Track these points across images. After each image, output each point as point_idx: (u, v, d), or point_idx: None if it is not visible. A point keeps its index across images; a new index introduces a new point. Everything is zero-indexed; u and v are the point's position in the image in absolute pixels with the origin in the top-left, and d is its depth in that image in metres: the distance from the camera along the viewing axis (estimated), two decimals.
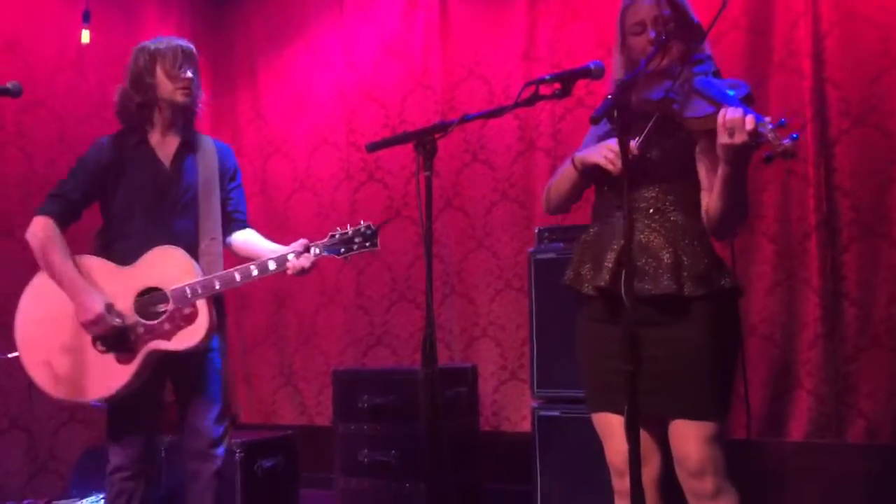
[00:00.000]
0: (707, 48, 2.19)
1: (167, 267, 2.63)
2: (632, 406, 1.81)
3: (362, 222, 2.64)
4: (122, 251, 2.70)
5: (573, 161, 2.22)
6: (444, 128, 2.14)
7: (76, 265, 2.67)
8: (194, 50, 2.79)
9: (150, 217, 2.71)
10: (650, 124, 2.01)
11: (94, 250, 2.76)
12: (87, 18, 4.15)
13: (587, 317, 2.21)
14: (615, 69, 2.22)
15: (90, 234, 2.84)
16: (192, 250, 2.70)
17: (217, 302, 2.77)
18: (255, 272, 2.62)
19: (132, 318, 2.62)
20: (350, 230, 2.62)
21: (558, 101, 2.12)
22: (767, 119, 1.81)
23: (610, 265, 2.08)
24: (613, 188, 2.17)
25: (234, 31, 5.39)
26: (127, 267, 2.67)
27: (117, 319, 2.60)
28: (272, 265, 2.62)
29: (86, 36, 4.14)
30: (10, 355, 2.79)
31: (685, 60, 2.11)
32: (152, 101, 2.74)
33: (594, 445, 2.30)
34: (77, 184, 2.74)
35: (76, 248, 2.75)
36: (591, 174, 2.21)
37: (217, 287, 2.61)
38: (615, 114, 1.80)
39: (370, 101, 4.88)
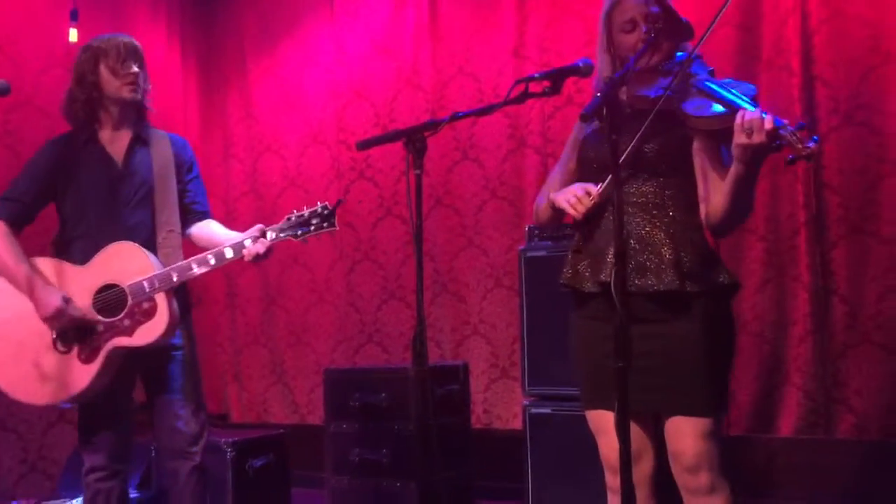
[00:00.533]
0: (688, 46, 2.18)
1: (123, 262, 2.60)
2: (622, 402, 1.81)
3: (319, 203, 2.59)
4: (79, 251, 2.68)
5: (549, 199, 2.23)
6: (434, 126, 2.14)
7: (33, 267, 2.64)
8: (139, 46, 2.76)
9: (104, 214, 2.69)
10: (646, 122, 2.01)
11: (52, 254, 2.74)
12: (74, 17, 4.13)
13: (584, 315, 2.21)
14: (601, 68, 2.21)
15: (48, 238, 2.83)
16: (150, 243, 2.67)
17: (180, 295, 2.73)
18: (212, 261, 2.59)
19: (92, 315, 2.59)
20: (306, 211, 2.58)
21: (548, 98, 2.13)
22: (786, 121, 1.83)
23: (611, 260, 2.08)
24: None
25: (224, 30, 5.37)
26: (83, 266, 2.65)
27: (78, 312, 2.57)
28: (229, 252, 2.59)
29: (73, 34, 4.12)
30: None
31: (671, 57, 2.12)
32: (97, 98, 2.71)
33: (585, 442, 2.30)
34: (27, 186, 2.72)
35: (38, 252, 2.73)
36: (586, 173, 2.21)
37: (175, 279, 2.58)
38: (604, 111, 1.80)
39: (360, 99, 4.88)
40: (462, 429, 3.88)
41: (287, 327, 5.07)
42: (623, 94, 2.11)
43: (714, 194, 2.05)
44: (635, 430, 2.13)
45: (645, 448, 2.18)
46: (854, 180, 3.59)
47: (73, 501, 3.70)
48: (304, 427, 4.83)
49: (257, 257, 2.58)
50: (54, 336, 2.61)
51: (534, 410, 3.46)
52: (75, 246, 2.70)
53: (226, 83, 5.36)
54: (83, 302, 2.61)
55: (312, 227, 2.57)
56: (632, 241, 2.08)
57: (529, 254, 3.56)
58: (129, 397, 2.77)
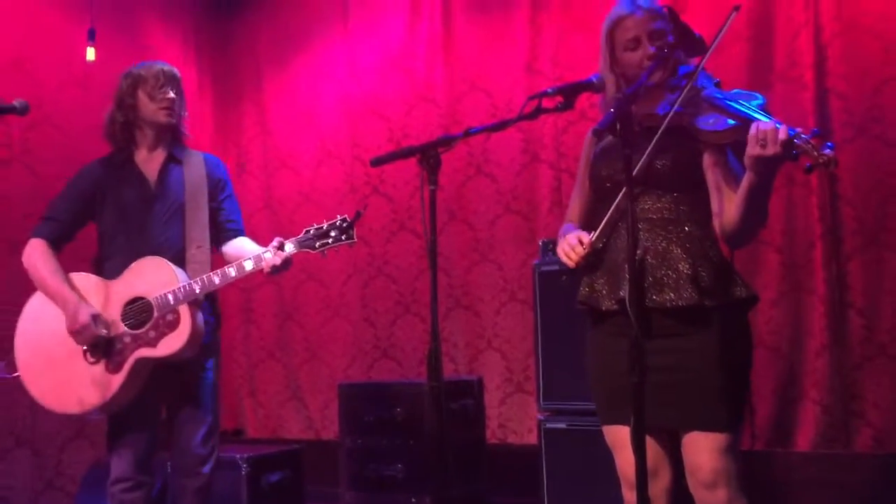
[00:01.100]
0: (692, 62, 2.18)
1: (151, 276, 2.69)
2: (638, 417, 1.81)
3: (338, 216, 2.64)
4: (112, 268, 2.78)
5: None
6: (447, 142, 2.15)
7: (68, 282, 2.76)
8: (177, 73, 2.89)
9: (136, 232, 2.80)
10: (654, 139, 2.01)
11: (91, 272, 2.85)
12: (92, 36, 4.18)
13: (602, 331, 2.21)
14: (607, 89, 2.21)
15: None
16: (179, 259, 2.76)
17: (212, 312, 2.84)
18: (232, 273, 2.66)
19: (120, 328, 2.68)
20: (325, 224, 2.63)
21: (561, 113, 2.13)
22: (800, 130, 1.82)
23: (629, 276, 2.08)
24: (616, 202, 2.16)
25: (238, 47, 5.42)
26: (113, 280, 2.75)
27: (104, 330, 2.67)
28: (249, 265, 2.65)
29: (91, 53, 4.17)
30: (12, 375, 2.86)
31: (675, 72, 2.11)
32: (134, 121, 2.84)
33: (601, 457, 2.29)
34: (66, 206, 2.86)
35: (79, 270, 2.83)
36: (600, 192, 2.22)
37: (197, 291, 2.66)
38: (618, 127, 1.80)
39: (374, 115, 4.90)
40: (477, 443, 3.88)
41: (302, 342, 5.08)
42: (633, 111, 2.11)
43: (728, 206, 2.05)
44: (652, 445, 2.12)
45: (662, 463, 2.17)
46: (869, 193, 3.58)
47: None
48: (319, 442, 4.83)
49: (275, 269, 2.64)
50: (84, 348, 2.70)
51: (549, 425, 3.45)
52: (110, 263, 2.81)
53: (240, 99, 5.40)
54: (113, 314, 2.70)
55: (331, 240, 2.62)
56: (648, 258, 2.08)
57: (543, 268, 3.56)
58: (157, 411, 2.84)
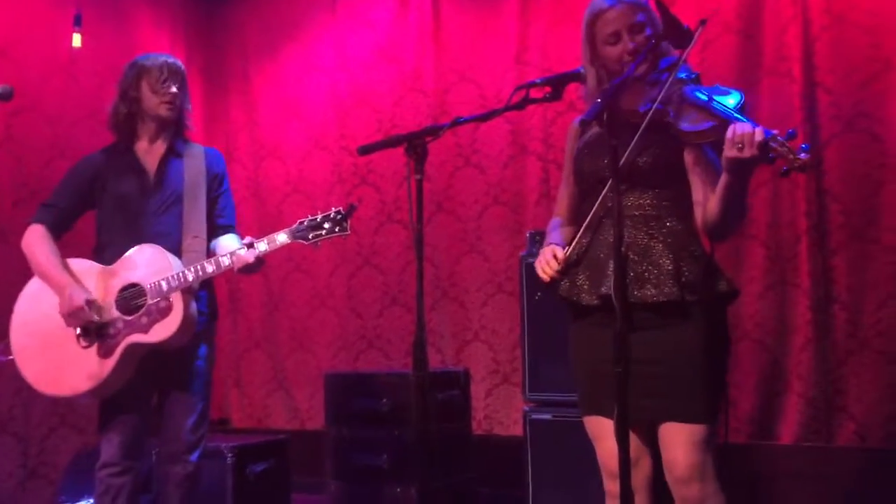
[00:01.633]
0: (674, 53, 2.17)
1: (147, 263, 2.72)
2: (622, 407, 1.82)
3: (333, 208, 2.65)
4: (110, 257, 2.81)
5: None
6: (435, 131, 2.15)
7: (65, 267, 2.79)
8: (181, 66, 2.92)
9: (133, 221, 2.83)
10: (636, 136, 2.01)
11: (91, 259, 2.87)
12: (78, 22, 4.15)
13: (583, 324, 2.21)
14: (588, 81, 2.21)
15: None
16: (175, 247, 2.79)
17: (208, 301, 2.89)
18: (225, 262, 2.68)
19: (113, 313, 2.71)
20: (319, 216, 2.66)
21: (549, 104, 2.14)
22: (776, 132, 1.82)
23: (612, 273, 2.08)
24: (599, 198, 2.16)
25: (227, 35, 5.39)
26: (110, 267, 2.78)
27: (95, 315, 2.69)
28: (226, 261, 2.68)
29: (77, 40, 4.15)
30: (5, 358, 2.91)
31: (657, 66, 2.11)
32: (137, 112, 2.88)
33: (586, 449, 2.30)
34: (66, 194, 2.91)
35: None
36: (585, 187, 2.22)
37: (191, 279, 2.68)
38: (604, 118, 1.80)
39: (363, 105, 4.89)
40: (463, 435, 3.88)
41: (288, 332, 5.07)
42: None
43: (707, 202, 2.06)
44: (632, 436, 2.13)
45: (642, 453, 2.18)
46: (855, 187, 3.59)
47: None
48: (305, 432, 4.83)
49: (246, 266, 2.66)
50: (78, 332, 2.72)
51: (534, 416, 3.46)
52: (108, 251, 2.83)
53: (228, 89, 5.37)
54: (107, 300, 2.73)
55: (325, 232, 2.64)
56: (630, 253, 2.09)
57: (530, 260, 3.54)
58: (148, 397, 2.85)
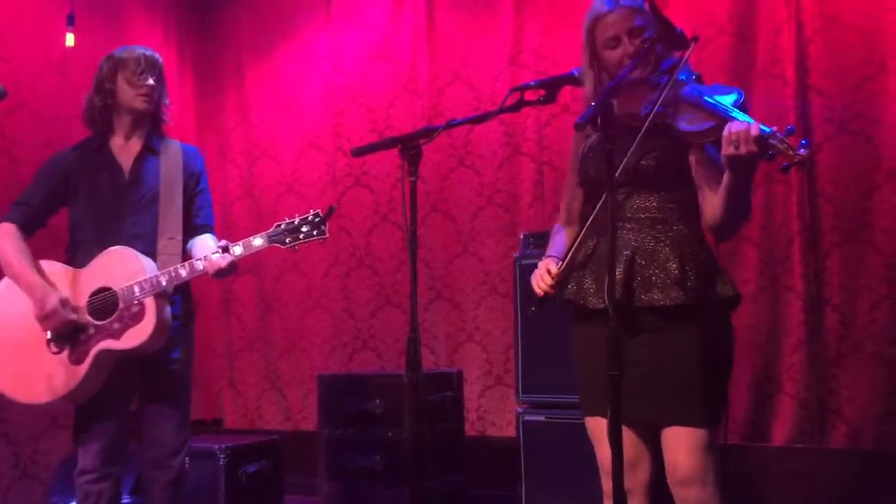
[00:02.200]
0: (675, 55, 2.18)
1: (118, 267, 2.65)
2: (615, 411, 1.82)
3: (311, 210, 2.60)
4: (83, 256, 2.74)
5: None
6: (429, 133, 2.15)
7: (37, 267, 2.72)
8: (159, 58, 2.85)
9: (107, 220, 2.75)
10: (637, 139, 2.01)
11: (66, 258, 2.81)
12: (71, 21, 4.13)
13: (587, 325, 2.21)
14: (587, 85, 2.21)
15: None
16: (150, 249, 2.72)
17: (184, 304, 2.82)
18: (199, 266, 2.61)
19: (84, 317, 2.64)
20: (297, 219, 2.60)
21: (544, 106, 2.13)
22: (775, 129, 1.82)
23: (620, 277, 2.09)
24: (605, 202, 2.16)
25: (221, 34, 5.38)
26: (81, 269, 2.71)
27: (73, 315, 2.63)
28: (200, 265, 2.62)
29: (70, 39, 4.12)
30: None
31: (658, 68, 2.11)
32: (112, 106, 2.80)
33: (579, 450, 2.31)
34: (38, 191, 2.83)
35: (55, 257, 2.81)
36: (588, 190, 2.22)
37: (164, 283, 2.61)
38: (598, 121, 1.80)
39: (357, 105, 4.88)
40: (456, 436, 3.88)
41: (282, 333, 5.06)
42: (615, 110, 2.12)
43: (711, 202, 2.06)
44: (632, 437, 2.14)
45: (642, 455, 2.18)
46: (848, 189, 3.60)
47: None
48: (298, 433, 4.82)
49: (219, 271, 2.59)
50: (49, 337, 2.65)
51: (527, 418, 3.46)
52: (80, 251, 2.76)
53: (222, 88, 5.36)
54: (79, 303, 2.66)
55: (302, 235, 2.58)
56: (637, 258, 2.09)
57: (524, 261, 3.56)
58: (125, 404, 2.80)
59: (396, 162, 2.16)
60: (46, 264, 2.75)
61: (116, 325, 2.62)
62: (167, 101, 2.90)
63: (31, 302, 2.66)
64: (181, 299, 2.81)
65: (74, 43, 4.13)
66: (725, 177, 1.96)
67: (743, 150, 1.83)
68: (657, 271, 2.07)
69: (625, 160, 2.04)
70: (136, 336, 2.61)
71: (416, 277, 2.10)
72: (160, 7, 5.12)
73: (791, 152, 1.77)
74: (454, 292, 4.54)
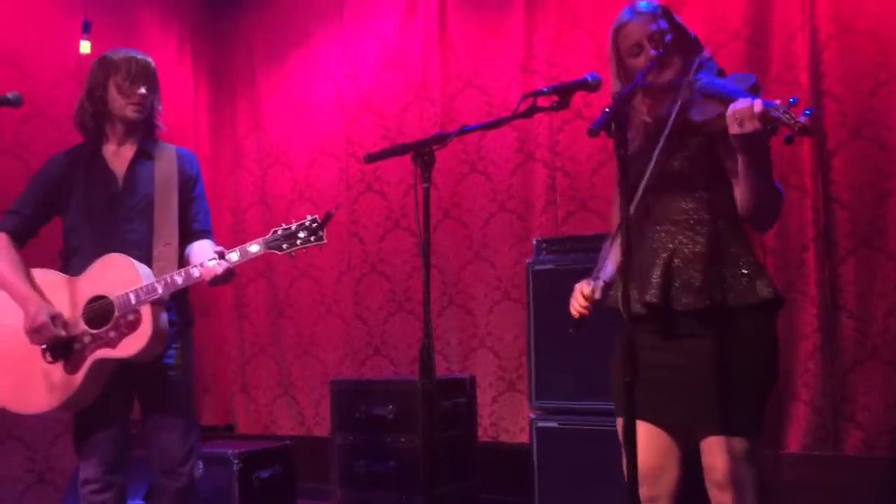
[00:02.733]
0: (705, 51, 2.18)
1: (114, 274, 2.60)
2: (629, 417, 1.82)
3: (308, 216, 2.56)
4: (78, 263, 2.70)
5: None
6: (442, 139, 2.14)
7: (29, 278, 2.68)
8: (151, 64, 2.77)
9: (102, 227, 2.71)
10: (660, 142, 2.01)
11: (60, 266, 2.77)
12: (86, 29, 4.16)
13: (632, 329, 2.20)
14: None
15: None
16: (146, 256, 2.67)
17: (181, 310, 2.77)
18: (195, 273, 2.57)
19: (80, 327, 2.60)
20: (294, 224, 2.55)
21: (556, 112, 2.13)
22: (778, 102, 1.81)
23: (657, 280, 2.08)
24: (643, 206, 2.14)
25: (234, 42, 5.41)
26: (76, 277, 2.67)
27: (62, 331, 2.58)
28: (196, 272, 2.58)
29: (85, 47, 4.15)
30: None
31: (683, 72, 2.12)
32: (103, 113, 2.75)
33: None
34: (30, 200, 2.78)
35: (49, 264, 2.78)
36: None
37: (160, 290, 2.56)
38: (612, 127, 1.80)
39: (369, 112, 4.90)
40: (468, 442, 3.88)
41: (294, 339, 5.08)
42: (646, 116, 2.12)
43: (737, 189, 2.05)
44: (663, 442, 2.13)
45: (670, 462, 2.16)
46: (863, 195, 3.58)
47: None
48: (311, 439, 4.83)
49: (215, 279, 2.55)
50: (43, 346, 2.62)
51: (541, 424, 3.45)
52: (75, 258, 2.72)
53: (236, 95, 5.39)
54: (74, 313, 2.62)
55: (299, 241, 2.54)
56: (675, 260, 2.09)
57: (537, 267, 3.56)
58: (125, 411, 2.76)
59: (409, 168, 2.16)
60: (41, 272, 2.71)
61: (113, 334, 2.57)
62: (160, 107, 2.83)
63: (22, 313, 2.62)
64: (178, 305, 2.76)
65: (90, 50, 4.16)
66: (739, 159, 1.95)
67: (748, 127, 1.83)
68: (695, 273, 2.06)
69: (651, 163, 2.03)
70: (132, 344, 2.57)
71: (430, 284, 2.09)
72: (174, 15, 5.15)
73: (792, 121, 1.76)
74: (467, 298, 4.54)
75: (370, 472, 3.71)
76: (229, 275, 2.56)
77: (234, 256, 2.55)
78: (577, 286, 2.21)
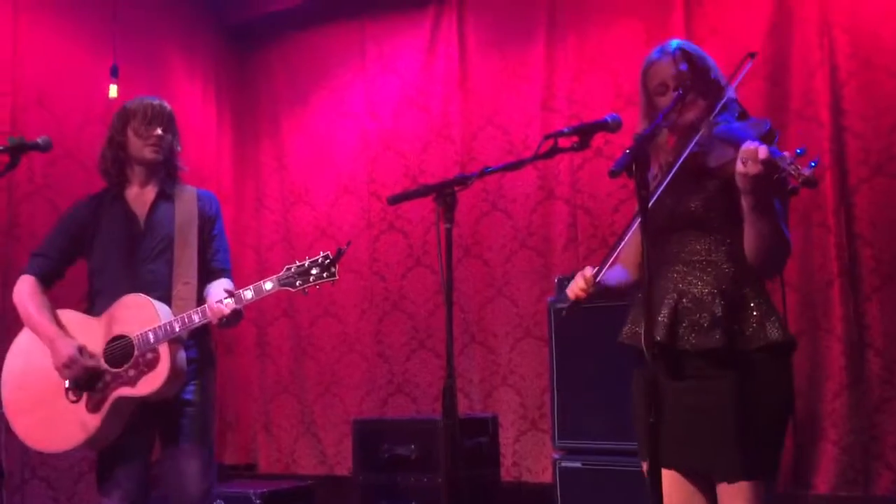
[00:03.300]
0: (730, 92, 2.20)
1: (133, 314, 2.66)
2: (653, 459, 1.80)
3: (321, 252, 2.59)
4: (100, 304, 2.77)
5: None
6: (464, 181, 2.17)
7: (56, 319, 2.76)
8: (167, 108, 2.86)
9: (123, 269, 2.77)
10: (667, 180, 2.02)
11: (86, 308, 2.84)
12: (115, 73, 4.24)
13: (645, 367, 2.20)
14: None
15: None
16: (166, 295, 2.73)
17: (201, 348, 2.81)
18: (209, 313, 2.61)
19: (101, 366, 2.67)
20: (307, 261, 2.59)
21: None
22: (786, 153, 1.82)
23: (664, 320, 2.08)
24: (658, 245, 2.16)
25: (257, 82, 5.50)
26: (97, 317, 2.74)
27: (91, 361, 2.65)
28: (209, 311, 2.62)
29: (113, 90, 4.23)
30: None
31: (708, 113, 2.13)
32: (124, 158, 2.84)
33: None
34: (55, 243, 2.87)
35: (74, 305, 2.84)
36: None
37: (178, 329, 2.62)
38: (633, 168, 1.81)
39: (391, 151, 4.94)
40: (492, 482, 3.85)
41: (316, 377, 5.08)
42: (670, 155, 2.13)
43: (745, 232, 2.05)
44: (683, 485, 2.11)
45: (694, 502, 2.14)
46: (886, 231, 3.56)
47: None
48: (333, 478, 4.81)
49: (222, 319, 2.59)
50: (67, 385, 2.68)
51: (564, 464, 3.42)
52: (99, 299, 2.79)
53: (259, 135, 5.46)
54: (95, 353, 2.69)
55: (312, 278, 2.58)
56: (684, 301, 2.08)
57: (559, 305, 3.56)
58: (146, 448, 2.79)
59: (430, 206, 2.18)
60: (65, 313, 2.78)
61: (132, 373, 2.63)
62: (179, 148, 2.92)
63: (49, 353, 2.69)
64: (198, 343, 2.79)
65: (118, 94, 4.24)
66: (743, 200, 1.96)
67: (752, 169, 1.85)
68: (704, 314, 2.06)
69: (672, 203, 2.04)
70: (150, 383, 2.62)
71: (452, 322, 2.10)
72: (199, 59, 5.24)
73: (796, 172, 1.78)
74: (488, 336, 4.53)
75: None
76: (236, 316, 2.61)
77: (248, 294, 2.60)
78: (580, 273, 2.18)
